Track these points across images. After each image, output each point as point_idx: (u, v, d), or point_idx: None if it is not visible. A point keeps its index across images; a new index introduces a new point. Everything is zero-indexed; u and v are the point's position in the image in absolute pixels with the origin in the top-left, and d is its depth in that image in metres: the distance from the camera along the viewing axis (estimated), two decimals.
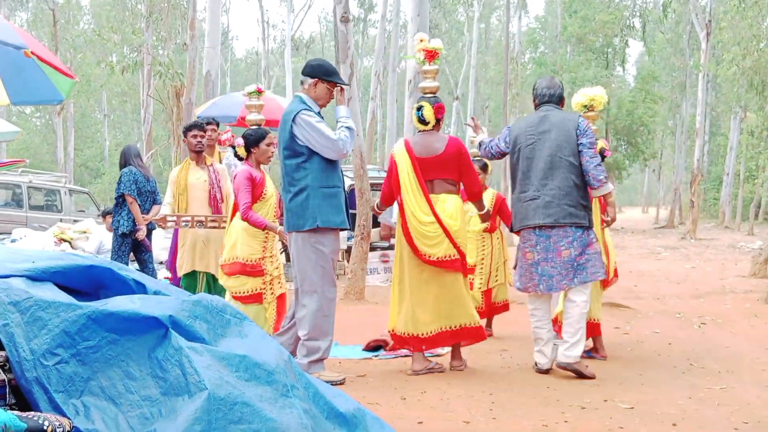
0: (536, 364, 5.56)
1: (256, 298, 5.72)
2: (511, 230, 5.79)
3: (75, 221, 13.88)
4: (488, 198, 6.76)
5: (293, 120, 5.13)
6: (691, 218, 26.63)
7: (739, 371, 5.84)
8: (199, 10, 17.85)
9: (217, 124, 7.09)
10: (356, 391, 4.69)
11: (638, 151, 33.24)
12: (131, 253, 7.60)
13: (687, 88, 38.10)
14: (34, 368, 2.31)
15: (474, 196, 5.72)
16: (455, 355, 5.65)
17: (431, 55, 5.64)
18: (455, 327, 5.50)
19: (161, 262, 11.88)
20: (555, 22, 37.50)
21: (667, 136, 45.61)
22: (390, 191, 5.56)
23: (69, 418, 2.24)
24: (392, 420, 3.92)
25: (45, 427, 2.13)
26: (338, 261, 14.56)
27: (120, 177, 7.60)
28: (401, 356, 6.12)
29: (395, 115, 25.32)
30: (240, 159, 5.89)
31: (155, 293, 2.77)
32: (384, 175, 6.54)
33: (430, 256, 5.35)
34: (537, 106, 5.62)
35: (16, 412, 2.15)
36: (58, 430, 2.16)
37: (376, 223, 10.53)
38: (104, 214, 10.86)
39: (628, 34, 32.38)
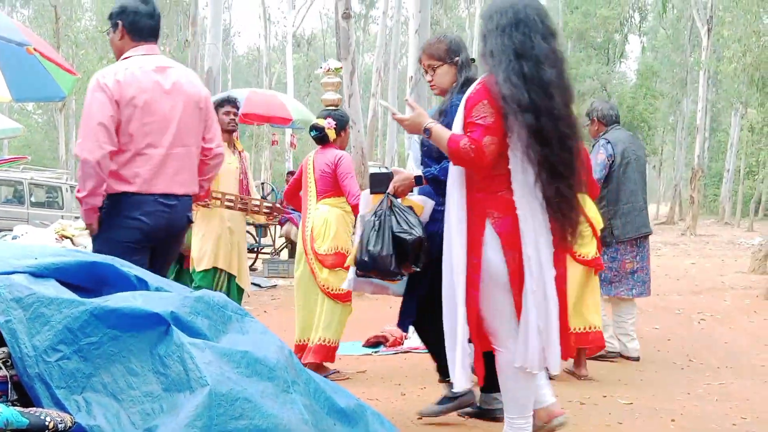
0: (625, 355, 6.00)
1: (348, 296, 5.28)
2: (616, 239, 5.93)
3: (76, 218, 13.91)
4: None
5: None
6: (690, 214, 26.67)
7: (738, 367, 5.86)
8: (201, 7, 17.87)
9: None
10: (356, 387, 4.71)
11: None
12: None
13: (688, 85, 38.08)
14: (36, 364, 2.32)
15: (593, 196, 5.53)
16: (580, 362, 5.39)
17: None
18: (583, 329, 5.29)
19: None
20: (556, 18, 37.47)
21: (668, 132, 45.58)
22: None
23: (71, 414, 2.26)
24: (392, 415, 3.94)
25: (47, 423, 2.14)
26: None
27: None
28: (401, 352, 6.15)
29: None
30: (320, 143, 5.39)
31: (157, 289, 2.78)
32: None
33: (583, 256, 5.22)
34: (603, 126, 6.08)
35: (18, 408, 2.17)
36: (59, 425, 2.17)
37: None
38: None
39: (629, 29, 32.35)
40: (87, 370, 2.37)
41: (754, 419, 4.34)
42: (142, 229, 3.79)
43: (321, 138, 5.38)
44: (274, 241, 13.72)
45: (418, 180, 3.87)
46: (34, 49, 7.14)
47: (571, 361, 5.48)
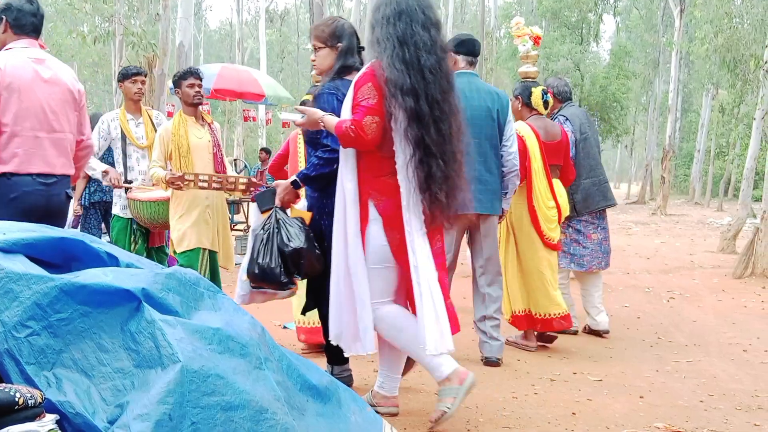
0: (595, 329, 6.15)
1: None
2: (578, 213, 6.11)
3: None
4: None
5: (508, 102, 5.15)
6: (661, 194, 26.90)
7: (706, 345, 5.95)
8: None
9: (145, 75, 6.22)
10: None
11: (611, 127, 33.38)
12: (102, 224, 7.49)
13: (660, 65, 38.29)
14: (5, 340, 2.29)
15: (568, 182, 5.80)
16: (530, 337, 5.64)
17: (538, 41, 5.69)
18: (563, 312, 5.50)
19: None
20: None
21: (640, 112, 45.85)
22: (523, 175, 5.33)
23: (41, 390, 2.24)
24: (365, 391, 3.96)
25: (16, 399, 2.12)
26: None
27: None
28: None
29: None
30: None
31: (128, 266, 2.75)
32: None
33: (551, 240, 5.42)
34: (559, 103, 6.15)
35: None
36: (29, 401, 2.15)
37: None
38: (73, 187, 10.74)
39: (604, 9, 32.39)
40: (57, 346, 2.35)
41: (721, 396, 4.42)
42: (21, 207, 4.05)
43: None
44: (247, 218, 13.65)
45: (296, 185, 3.98)
46: None
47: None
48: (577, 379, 4.73)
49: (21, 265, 2.47)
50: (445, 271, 3.73)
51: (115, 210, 6.08)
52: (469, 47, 5.15)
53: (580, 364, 5.14)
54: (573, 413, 3.98)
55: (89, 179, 7.05)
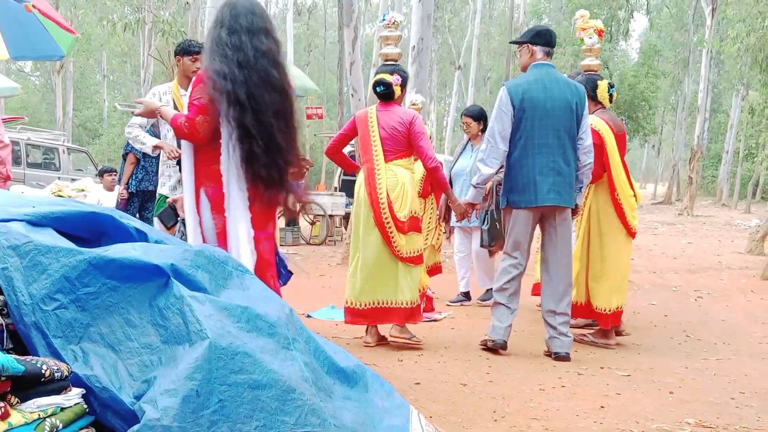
0: None
1: (421, 258, 5.26)
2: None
3: (73, 180, 13.81)
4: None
5: (585, 95, 5.19)
6: (688, 195, 26.61)
7: (736, 343, 5.85)
8: None
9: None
10: (354, 352, 4.68)
11: (638, 127, 33.01)
12: (137, 214, 7.45)
13: (690, 65, 37.85)
14: (32, 313, 2.28)
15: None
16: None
17: (602, 34, 5.75)
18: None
19: None
20: None
21: (668, 112, 45.38)
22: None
23: (67, 364, 2.22)
24: (389, 380, 3.91)
25: (43, 371, 2.10)
26: (336, 227, 14.53)
27: None
28: None
29: None
30: (386, 99, 5.20)
31: (157, 242, 2.73)
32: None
33: (633, 228, 5.54)
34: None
35: (14, 356, 2.12)
36: (56, 374, 2.13)
37: None
38: (102, 173, 10.79)
39: (633, 6, 32.06)
40: (84, 320, 2.33)
41: (753, 394, 4.33)
42: None
43: (387, 94, 5.19)
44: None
45: None
46: (33, 6, 7.02)
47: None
48: (604, 374, 4.66)
49: (50, 238, 2.45)
50: (272, 252, 3.80)
51: (163, 190, 5.46)
52: (546, 38, 5.15)
53: (607, 359, 5.07)
54: (601, 407, 3.91)
55: (137, 164, 6.93)
